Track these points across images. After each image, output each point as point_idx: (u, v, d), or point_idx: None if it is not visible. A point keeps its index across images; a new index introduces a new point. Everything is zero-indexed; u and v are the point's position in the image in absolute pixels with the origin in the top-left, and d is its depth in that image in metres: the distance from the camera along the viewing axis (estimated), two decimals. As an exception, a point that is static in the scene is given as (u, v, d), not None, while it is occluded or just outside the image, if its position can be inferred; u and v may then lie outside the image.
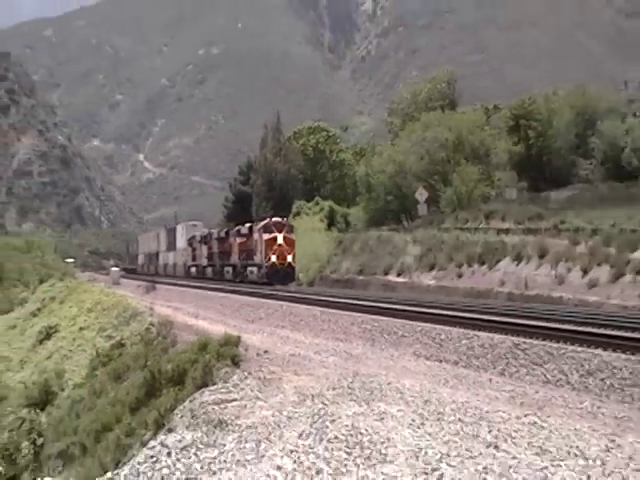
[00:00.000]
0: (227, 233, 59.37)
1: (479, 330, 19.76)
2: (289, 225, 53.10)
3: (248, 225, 54.95)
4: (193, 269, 67.04)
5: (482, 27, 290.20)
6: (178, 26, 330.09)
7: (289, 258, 49.31)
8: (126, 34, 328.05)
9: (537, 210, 49.72)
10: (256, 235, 51.18)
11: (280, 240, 49.08)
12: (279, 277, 47.72)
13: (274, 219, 53.70)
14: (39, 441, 16.53)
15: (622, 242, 35.30)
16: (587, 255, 35.81)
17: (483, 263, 41.85)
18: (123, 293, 37.47)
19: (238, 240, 54.69)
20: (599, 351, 15.70)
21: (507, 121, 68.94)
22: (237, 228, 57.39)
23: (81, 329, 29.16)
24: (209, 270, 62.22)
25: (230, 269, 56.36)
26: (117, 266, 76.29)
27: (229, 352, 12.95)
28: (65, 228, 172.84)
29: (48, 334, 31.31)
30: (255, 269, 50.52)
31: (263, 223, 51.84)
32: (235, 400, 9.98)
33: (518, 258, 39.83)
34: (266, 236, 49.45)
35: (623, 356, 15.04)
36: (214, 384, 11.11)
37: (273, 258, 48.65)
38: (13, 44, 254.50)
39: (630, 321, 21.72)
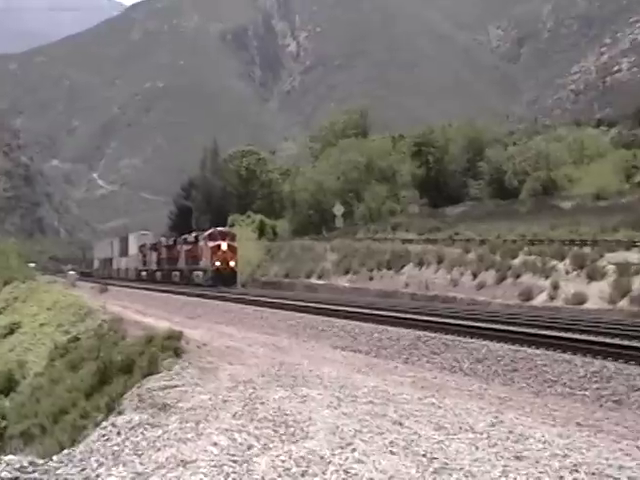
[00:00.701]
0: (175, 241, 58.48)
1: (387, 325, 19.93)
2: (232, 234, 52.48)
3: (194, 234, 54.28)
4: (144, 273, 66.09)
5: (389, 67, 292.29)
6: (128, 62, 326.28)
7: (232, 263, 48.53)
8: (82, 68, 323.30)
9: (435, 223, 50.17)
10: (202, 243, 50.34)
11: (224, 247, 48.26)
12: (223, 280, 46.78)
13: (218, 228, 53.12)
14: (3, 423, 16.19)
15: (505, 250, 35.84)
16: (476, 261, 36.26)
17: (390, 268, 42.05)
18: (79, 294, 36.75)
19: (185, 247, 53.85)
20: (486, 342, 15.92)
21: (410, 148, 69.36)
22: (184, 237, 56.56)
23: (41, 325, 28.59)
24: (158, 274, 61.29)
25: (178, 273, 55.42)
26: (74, 270, 74.89)
27: (172, 345, 12.85)
28: (27, 237, 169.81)
29: (12, 330, 30.67)
30: (201, 273, 49.76)
31: (208, 232, 51.09)
32: (177, 386, 9.91)
33: (420, 264, 40.13)
34: (211, 244, 48.64)
35: (505, 346, 15.29)
36: (159, 372, 10.96)
37: (217, 263, 47.86)
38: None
39: (510, 317, 22.15)
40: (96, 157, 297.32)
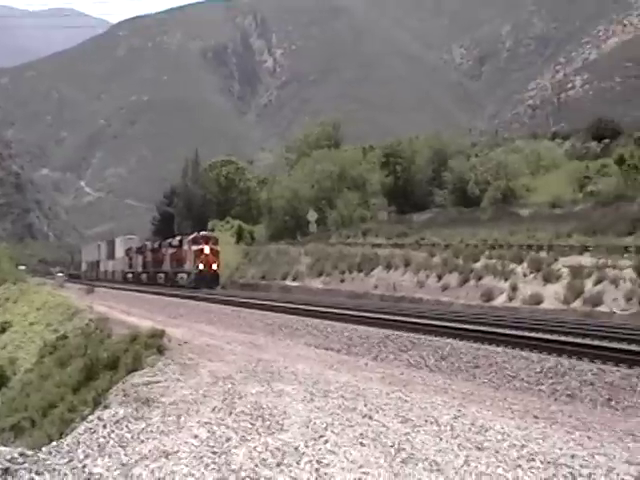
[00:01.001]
0: (160, 245, 58.01)
1: (357, 324, 19.97)
2: (215, 238, 52.19)
3: (179, 238, 53.81)
4: (129, 275, 65.62)
5: (360, 83, 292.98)
6: (113, 77, 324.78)
7: (214, 266, 48.39)
8: (70, 83, 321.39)
9: (402, 229, 50.27)
10: (186, 246, 50.04)
11: (207, 251, 48.10)
12: (206, 282, 46.55)
13: (202, 233, 52.89)
14: (-5, 417, 16.08)
15: (467, 255, 36.00)
16: (441, 265, 36.39)
17: (361, 271, 42.08)
18: (67, 295, 36.60)
19: (170, 251, 53.41)
20: (450, 340, 16.01)
21: (380, 158, 69.49)
22: (169, 240, 56.15)
23: (31, 324, 28.46)
24: (144, 276, 60.73)
25: (162, 275, 54.98)
26: (62, 272, 74.36)
27: (155, 343, 12.80)
28: (18, 241, 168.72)
29: (3, 328, 30.50)
30: (185, 275, 49.43)
31: (192, 236, 50.84)
32: (160, 382, 9.88)
33: (388, 267, 40.20)
34: (195, 247, 48.44)
35: (468, 344, 15.39)
36: (143, 369, 10.91)
37: (201, 266, 47.63)
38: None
39: (472, 317, 22.27)
40: (83, 166, 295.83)
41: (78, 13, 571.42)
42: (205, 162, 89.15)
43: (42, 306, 31.46)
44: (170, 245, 53.88)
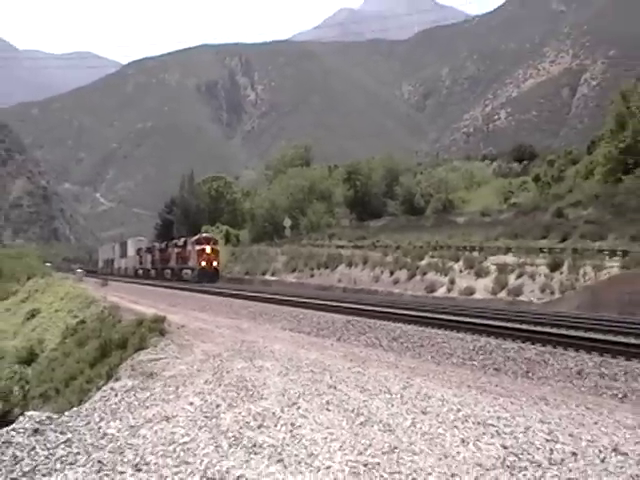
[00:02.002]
0: (167, 245, 56.77)
1: (324, 312, 19.95)
2: (215, 239, 51.41)
3: (183, 239, 52.75)
4: (140, 271, 64.38)
5: (327, 114, 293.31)
6: (123, 108, 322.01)
7: (215, 263, 47.48)
8: (87, 113, 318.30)
9: (361, 233, 50.31)
10: (190, 247, 48.99)
11: (208, 250, 47.19)
12: (207, 277, 45.70)
13: (204, 235, 52.22)
14: (26, 387, 15.91)
15: (414, 254, 36.13)
16: (393, 262, 36.48)
17: (327, 267, 42.05)
18: (85, 287, 36.14)
19: (176, 250, 52.19)
20: (400, 324, 16.00)
21: (343, 175, 69.51)
22: (175, 241, 55.03)
23: (56, 311, 28.08)
24: (152, 272, 59.39)
25: (169, 271, 53.72)
26: (81, 269, 73.45)
27: (158, 327, 12.75)
28: (45, 243, 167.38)
29: (33, 314, 30.13)
30: (189, 271, 48.47)
31: (195, 238, 49.96)
32: (161, 359, 9.84)
33: (349, 264, 40.20)
34: (198, 247, 47.46)
35: (414, 327, 15.42)
36: (147, 348, 10.90)
37: (203, 263, 46.75)
38: (11, 119, 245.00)
39: (418, 305, 22.35)
40: (98, 181, 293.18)
41: (95, 55, 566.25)
42: (199, 178, 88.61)
43: (65, 296, 31.09)
44: (176, 245, 53.02)
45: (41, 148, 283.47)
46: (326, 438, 5.55)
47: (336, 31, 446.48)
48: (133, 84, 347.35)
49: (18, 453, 5.34)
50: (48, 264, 77.97)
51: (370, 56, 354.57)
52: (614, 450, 5.31)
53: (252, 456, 5.15)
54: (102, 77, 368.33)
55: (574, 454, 5.19)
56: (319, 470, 4.81)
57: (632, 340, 12.56)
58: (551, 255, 27.96)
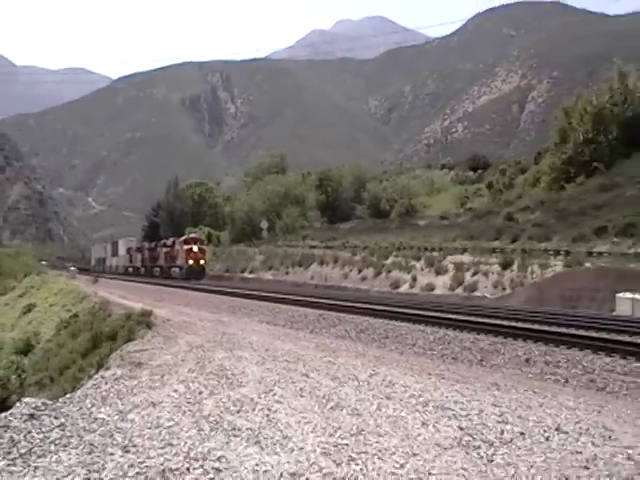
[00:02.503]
0: (156, 245, 55.69)
1: (298, 306, 19.96)
2: (201, 239, 50.75)
3: (172, 239, 51.76)
4: (130, 269, 63.27)
5: (300, 126, 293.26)
6: (114, 119, 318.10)
7: (201, 262, 46.68)
8: (80, 124, 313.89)
9: (332, 235, 50.42)
10: (178, 246, 48.12)
11: (195, 249, 46.39)
12: (194, 275, 44.85)
13: (191, 235, 51.62)
14: (23, 375, 15.68)
15: (380, 254, 36.31)
16: (361, 261, 36.61)
17: (301, 265, 42.09)
18: (78, 284, 35.68)
19: (164, 249, 51.21)
20: (367, 318, 16.06)
21: (315, 182, 69.57)
22: (163, 241, 54.06)
23: (50, 305, 27.69)
24: (142, 270, 58.22)
25: (158, 269, 52.63)
26: (74, 267, 72.30)
27: (145, 320, 12.63)
28: (41, 242, 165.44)
29: (29, 309, 29.69)
30: (177, 269, 47.51)
31: (183, 238, 49.14)
32: (148, 349, 9.77)
33: (321, 263, 40.26)
34: (185, 246, 46.61)
35: (380, 320, 15.49)
36: (135, 340, 10.83)
37: (190, 262, 45.89)
38: (9, 129, 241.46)
39: (383, 300, 22.47)
40: (90, 186, 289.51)
41: (87, 71, 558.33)
42: (183, 183, 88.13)
43: (59, 292, 30.70)
44: (165, 245, 52.15)
45: (37, 156, 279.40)
46: (299, 422, 5.56)
47: (308, 50, 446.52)
48: (123, 97, 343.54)
49: (15, 436, 5.31)
50: (43, 262, 76.96)
51: (340, 74, 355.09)
52: (557, 429, 5.40)
53: (232, 438, 5.14)
54: (94, 91, 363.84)
55: (522, 434, 5.27)
56: (293, 451, 4.82)
57: (573, 331, 12.77)
58: (502, 255, 28.28)
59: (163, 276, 49.91)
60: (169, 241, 51.83)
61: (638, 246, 24.47)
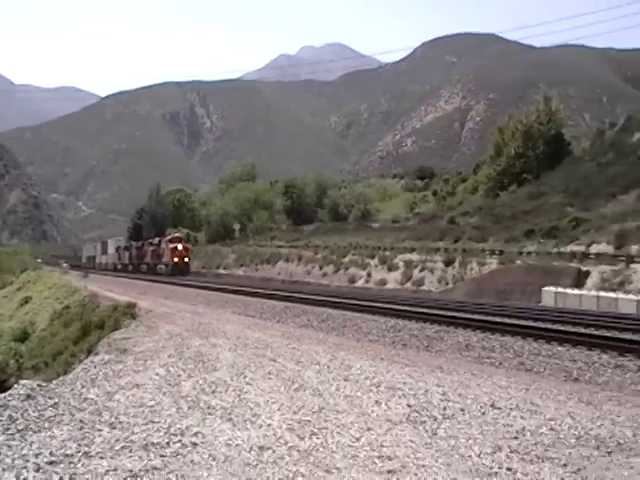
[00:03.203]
0: (142, 244, 54.66)
1: (266, 299, 19.91)
2: (185, 239, 50.04)
3: (158, 238, 50.83)
4: (119, 266, 61.75)
5: (269, 139, 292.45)
6: (102, 133, 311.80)
7: (186, 259, 45.74)
8: (72, 137, 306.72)
9: (297, 235, 50.49)
10: (164, 245, 47.16)
11: (180, 248, 45.46)
12: (179, 271, 43.93)
13: (175, 234, 50.81)
14: (20, 360, 15.35)
15: (339, 253, 36.46)
16: (322, 259, 36.72)
17: (269, 263, 42.04)
18: (69, 279, 34.95)
19: (151, 248, 50.27)
20: (327, 309, 16.09)
21: (281, 189, 69.49)
22: (149, 240, 53.03)
23: (45, 298, 27.14)
24: (130, 267, 56.88)
25: (145, 266, 51.50)
26: (67, 264, 70.57)
27: (130, 311, 12.48)
28: (36, 242, 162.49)
29: (26, 301, 29.10)
30: (163, 266, 46.40)
31: (169, 237, 48.16)
32: (132, 337, 9.65)
33: (287, 260, 40.28)
34: (171, 245, 45.71)
35: (338, 311, 15.53)
36: (121, 329, 10.70)
37: (175, 259, 45.03)
38: (8, 141, 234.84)
39: (341, 293, 22.56)
40: (80, 192, 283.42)
41: (77, 89, 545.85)
42: (164, 190, 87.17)
43: (52, 286, 30.14)
44: (151, 244, 51.12)
45: (33, 164, 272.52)
46: (267, 401, 5.56)
47: (277, 72, 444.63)
48: (110, 113, 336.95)
49: (13, 414, 5.25)
50: (39, 260, 75.44)
51: (304, 94, 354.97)
52: (491, 406, 5.50)
53: (207, 416, 5.12)
54: (84, 107, 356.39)
55: (462, 410, 5.35)
56: (261, 427, 4.82)
57: (506, 320, 13.02)
58: (446, 254, 28.67)
59: (149, 273, 49.13)
60: (155, 240, 51.00)
61: (560, 246, 25.08)
